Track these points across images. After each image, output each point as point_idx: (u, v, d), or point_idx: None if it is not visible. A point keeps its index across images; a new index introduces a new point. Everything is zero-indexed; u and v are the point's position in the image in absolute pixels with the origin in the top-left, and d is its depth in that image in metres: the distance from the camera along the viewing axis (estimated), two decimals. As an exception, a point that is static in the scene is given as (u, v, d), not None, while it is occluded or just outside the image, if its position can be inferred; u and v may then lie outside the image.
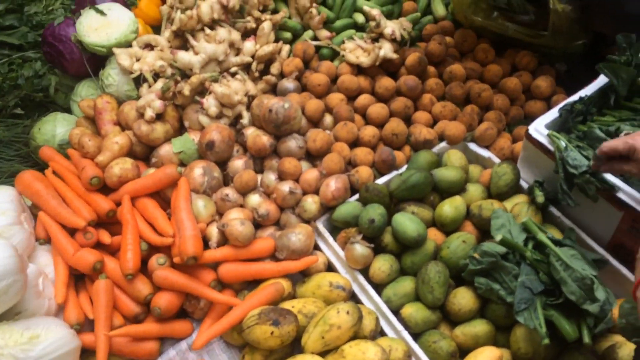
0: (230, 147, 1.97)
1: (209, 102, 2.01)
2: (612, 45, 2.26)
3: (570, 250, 1.50)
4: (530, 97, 2.21)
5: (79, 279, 1.80)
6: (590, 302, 1.37)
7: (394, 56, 2.17)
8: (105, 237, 1.79)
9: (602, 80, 1.81)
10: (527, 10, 2.16)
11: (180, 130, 2.08)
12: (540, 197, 1.72)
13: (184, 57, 2.06)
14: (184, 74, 2.10)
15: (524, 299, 1.46)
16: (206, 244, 1.76)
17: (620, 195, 1.55)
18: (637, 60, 1.73)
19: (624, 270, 1.61)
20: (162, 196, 1.90)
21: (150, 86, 2.07)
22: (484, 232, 1.78)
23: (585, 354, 1.49)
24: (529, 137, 1.74)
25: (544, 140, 1.71)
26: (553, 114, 1.78)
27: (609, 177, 1.57)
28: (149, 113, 1.95)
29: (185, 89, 2.01)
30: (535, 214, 1.73)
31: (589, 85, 1.81)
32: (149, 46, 2.17)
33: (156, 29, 2.35)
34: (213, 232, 1.79)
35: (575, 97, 1.79)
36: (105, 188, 1.87)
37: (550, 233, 1.58)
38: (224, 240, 1.79)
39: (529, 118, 2.12)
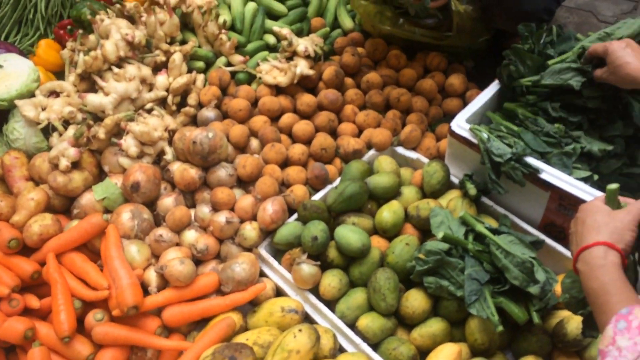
0: (157, 185, 1.89)
1: (128, 143, 1.93)
2: (513, 38, 2.39)
3: (508, 237, 1.54)
4: (446, 96, 2.29)
5: (10, 351, 1.65)
6: (533, 284, 1.41)
7: (311, 72, 2.18)
8: (33, 301, 1.66)
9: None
10: (429, 14, 2.24)
11: (100, 175, 1.98)
12: (472, 190, 1.77)
13: (94, 99, 1.96)
14: (97, 117, 2.01)
15: (473, 290, 1.48)
16: (145, 290, 1.67)
17: (545, 176, 1.62)
18: (539, 48, 1.82)
19: (559, 247, 1.68)
20: (91, 248, 1.79)
21: (61, 135, 1.96)
22: (424, 232, 1.81)
23: (537, 333, 1.54)
24: (453, 134, 1.79)
25: (467, 134, 1.76)
26: (472, 108, 1.84)
27: (532, 160, 1.64)
28: (64, 163, 1.84)
29: (100, 132, 1.92)
30: (470, 207, 1.77)
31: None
32: (54, 93, 2.06)
33: (59, 75, 2.25)
34: (151, 276, 1.70)
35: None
36: (25, 249, 1.73)
37: (487, 223, 1.62)
38: (164, 283, 1.71)
39: (448, 115, 2.19)
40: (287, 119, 2.12)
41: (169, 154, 1.99)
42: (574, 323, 1.48)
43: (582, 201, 1.53)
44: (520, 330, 1.57)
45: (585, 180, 1.62)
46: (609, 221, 1.15)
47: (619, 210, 1.18)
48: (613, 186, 1.19)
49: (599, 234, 1.13)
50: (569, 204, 1.60)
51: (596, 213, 1.18)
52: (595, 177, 1.63)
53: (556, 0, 2.08)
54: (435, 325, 1.60)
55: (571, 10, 2.70)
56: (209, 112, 2.11)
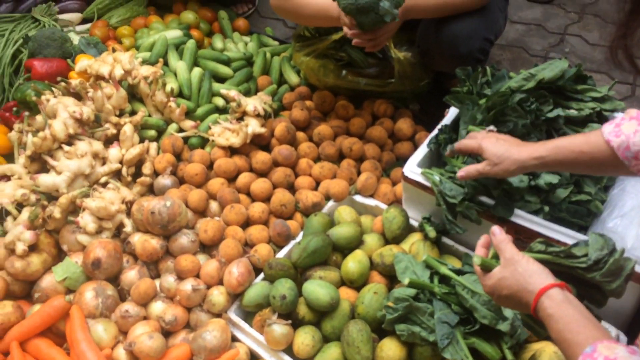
0: (119, 260, 1.87)
1: (85, 220, 1.90)
2: (452, 78, 2.51)
3: (472, 276, 1.57)
4: (397, 140, 2.36)
5: None
6: (502, 321, 1.44)
7: (262, 130, 2.22)
8: (-2, 396, 1.60)
9: (454, 109, 1.97)
10: (370, 64, 2.33)
11: (60, 255, 1.93)
12: (431, 232, 1.81)
13: (47, 179, 1.94)
14: (51, 197, 1.98)
15: (445, 334, 1.50)
16: (116, 372, 1.63)
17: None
18: (476, 89, 1.92)
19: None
20: (55, 331, 1.74)
21: (15, 219, 1.92)
22: (391, 278, 1.83)
23: (512, 369, 1.56)
24: (406, 179, 1.85)
25: (420, 178, 1.81)
26: (421, 152, 1.90)
27: (485, 199, 1.70)
28: (21, 247, 1.79)
29: (56, 212, 1.89)
30: (432, 249, 1.81)
31: (446, 117, 1.97)
32: (5, 177, 2.02)
33: (8, 158, 2.21)
34: (120, 355, 1.67)
35: (436, 131, 1.93)
36: (-13, 341, 1.67)
37: (450, 264, 1.66)
38: (134, 360, 1.67)
39: (401, 159, 2.25)
40: (244, 178, 2.14)
41: (129, 226, 1.97)
42: (546, 356, 1.51)
43: (536, 233, 1.60)
44: (495, 367, 1.59)
45: (536, 213, 1.69)
46: (536, 267, 1.19)
47: (523, 257, 1.21)
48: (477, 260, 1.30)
49: (541, 277, 1.16)
50: (525, 237, 1.66)
51: (517, 264, 1.20)
52: (546, 208, 1.70)
53: (489, 41, 2.20)
54: (412, 373, 1.60)
55: (504, 48, 2.86)
56: (165, 180, 2.11)
